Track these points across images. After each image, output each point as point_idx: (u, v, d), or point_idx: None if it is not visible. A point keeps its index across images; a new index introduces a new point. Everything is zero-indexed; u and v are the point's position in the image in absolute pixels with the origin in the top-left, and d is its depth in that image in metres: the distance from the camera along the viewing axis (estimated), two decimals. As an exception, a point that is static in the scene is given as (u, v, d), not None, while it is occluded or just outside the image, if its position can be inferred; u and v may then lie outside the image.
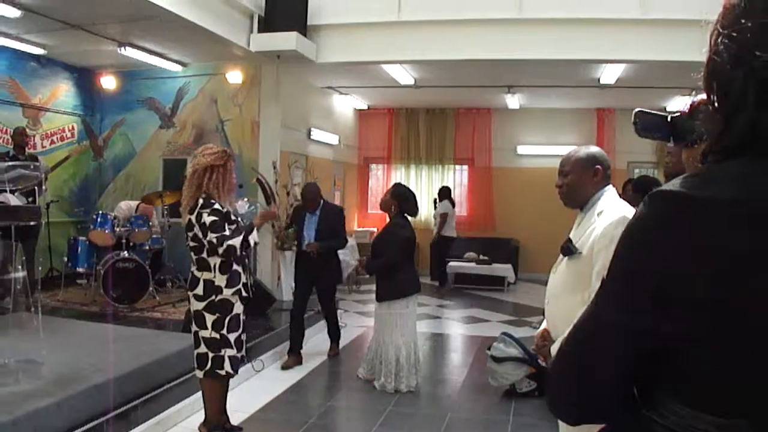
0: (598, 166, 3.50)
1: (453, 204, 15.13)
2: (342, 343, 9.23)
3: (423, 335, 9.68)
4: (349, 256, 12.77)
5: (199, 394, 5.72)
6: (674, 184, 1.21)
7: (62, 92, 12.84)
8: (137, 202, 11.17)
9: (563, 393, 1.46)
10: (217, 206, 5.12)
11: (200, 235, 5.10)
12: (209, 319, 5.13)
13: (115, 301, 9.68)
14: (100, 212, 10.52)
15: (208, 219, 5.04)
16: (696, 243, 1.15)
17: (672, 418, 1.25)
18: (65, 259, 10.65)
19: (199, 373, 5.28)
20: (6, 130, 11.02)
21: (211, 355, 5.17)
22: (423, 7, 10.18)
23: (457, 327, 10.92)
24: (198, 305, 5.18)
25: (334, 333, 8.57)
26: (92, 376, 5.65)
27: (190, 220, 5.13)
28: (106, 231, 10.09)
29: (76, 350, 6.56)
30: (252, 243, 5.28)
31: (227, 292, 5.15)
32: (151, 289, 10.03)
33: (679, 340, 1.20)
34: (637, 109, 1.70)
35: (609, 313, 1.29)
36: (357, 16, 10.44)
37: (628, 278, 1.26)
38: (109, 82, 13.12)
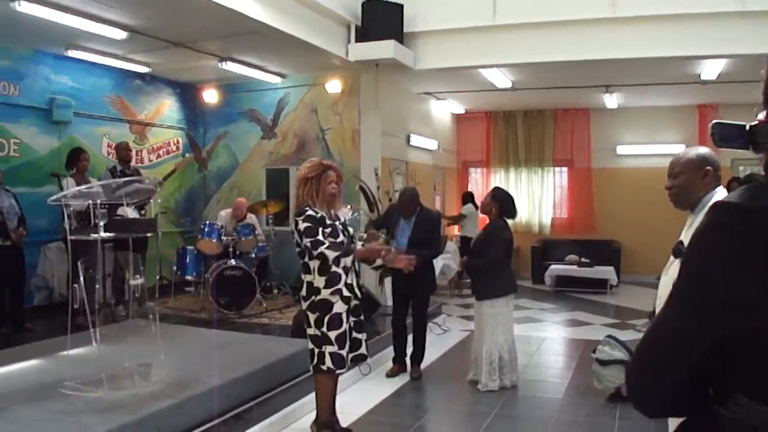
0: (709, 167, 3.50)
1: (476, 206, 15.02)
2: (446, 347, 9.30)
3: (526, 338, 9.68)
4: (451, 260, 12.86)
5: (310, 397, 5.97)
6: (733, 195, 1.30)
7: (166, 108, 13.31)
8: (230, 210, 11.52)
9: (641, 389, 1.55)
10: (310, 212, 5.38)
11: (299, 240, 5.40)
12: (311, 317, 5.41)
13: (223, 307, 9.98)
14: (207, 222, 10.86)
15: (302, 225, 5.34)
16: (748, 249, 1.23)
17: (742, 412, 1.32)
18: (174, 267, 11.01)
19: (311, 368, 5.54)
20: (112, 145, 11.46)
21: (316, 351, 5.43)
22: (517, 10, 10.13)
23: (560, 330, 10.86)
24: (304, 305, 5.50)
25: (418, 352, 8.07)
26: (208, 379, 5.87)
27: (294, 227, 5.44)
28: (214, 240, 10.39)
29: (191, 355, 6.83)
30: (344, 263, 5.42)
31: (325, 293, 5.36)
32: (257, 295, 10.29)
33: (741, 338, 1.28)
34: (713, 122, 1.75)
35: (678, 313, 1.38)
36: (452, 21, 10.48)
37: (692, 280, 1.35)
38: (211, 96, 13.54)
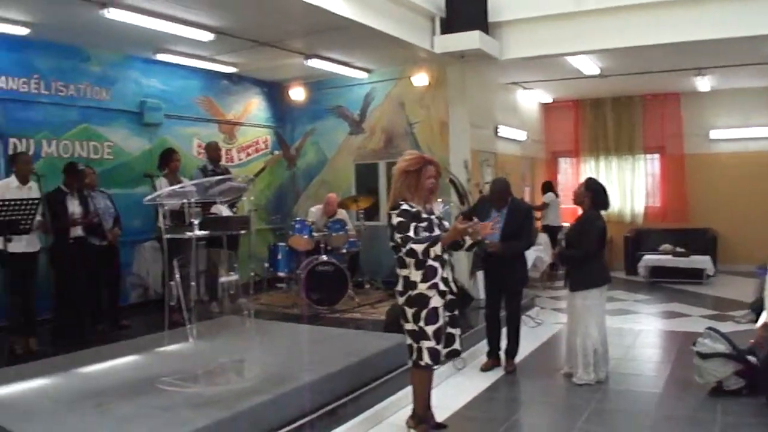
0: None
1: (556, 195, 14.82)
2: (539, 340, 9.13)
3: (620, 330, 9.47)
4: (543, 253, 12.68)
5: (404, 392, 5.95)
6: None
7: (254, 107, 13.47)
8: (320, 206, 11.59)
9: None
10: (405, 207, 5.30)
11: (392, 235, 5.33)
12: (409, 312, 5.33)
13: (315, 303, 10.03)
14: (298, 218, 10.96)
15: (396, 220, 5.28)
16: None
17: None
18: (266, 264, 11.16)
19: (409, 363, 5.48)
20: (202, 145, 11.65)
21: (414, 346, 5.35)
22: (603, -6, 9.94)
23: (656, 322, 10.52)
24: (400, 300, 5.41)
25: (512, 346, 7.87)
26: (302, 374, 5.88)
27: (388, 221, 5.39)
28: (305, 236, 10.48)
29: (285, 350, 6.87)
30: (435, 254, 5.26)
31: (422, 287, 5.27)
32: (349, 291, 10.30)
33: None
34: None
35: None
36: (537, 9, 10.28)
37: None
38: (297, 94, 13.64)
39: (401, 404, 6.24)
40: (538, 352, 8.76)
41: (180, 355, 6.51)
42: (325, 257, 10.20)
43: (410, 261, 5.27)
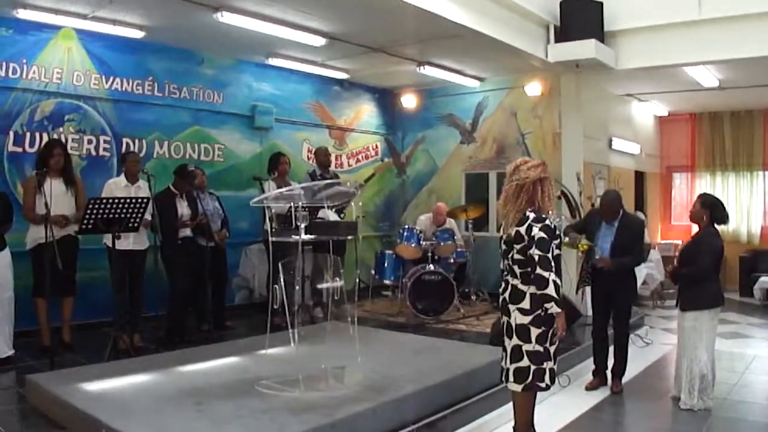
0: None
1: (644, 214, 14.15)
2: (648, 361, 8.79)
3: (732, 354, 9.01)
4: (654, 270, 12.27)
5: (506, 407, 5.73)
6: None
7: (365, 113, 13.47)
8: (429, 215, 11.46)
9: None
10: (548, 223, 5.00)
11: (527, 245, 4.97)
12: (534, 332, 5.00)
13: (420, 312, 9.88)
14: (407, 226, 10.83)
15: (538, 234, 4.92)
16: None
17: None
18: (372, 271, 11.10)
19: (517, 387, 5.10)
20: (312, 149, 11.69)
21: (533, 368, 5.02)
22: (725, 1, 9.36)
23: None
24: (524, 319, 5.03)
25: (620, 365, 7.51)
26: (404, 384, 5.74)
27: (518, 232, 5.00)
28: (413, 245, 10.36)
29: (388, 359, 6.72)
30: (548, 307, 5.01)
31: (554, 309, 4.96)
32: (455, 301, 10.12)
33: None
34: None
35: None
36: (654, 18, 9.90)
37: None
38: (408, 101, 13.60)
39: (502, 420, 6.06)
40: (646, 373, 8.40)
41: (282, 358, 6.47)
42: (432, 266, 10.05)
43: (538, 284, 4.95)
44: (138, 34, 9.00)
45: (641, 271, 11.23)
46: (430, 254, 10.30)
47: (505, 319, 5.18)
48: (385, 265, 10.87)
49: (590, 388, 7.50)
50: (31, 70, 8.56)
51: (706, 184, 15.94)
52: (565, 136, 11.69)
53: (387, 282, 11.05)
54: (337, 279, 6.40)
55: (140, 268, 8.11)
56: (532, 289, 4.96)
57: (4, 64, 8.34)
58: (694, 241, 6.94)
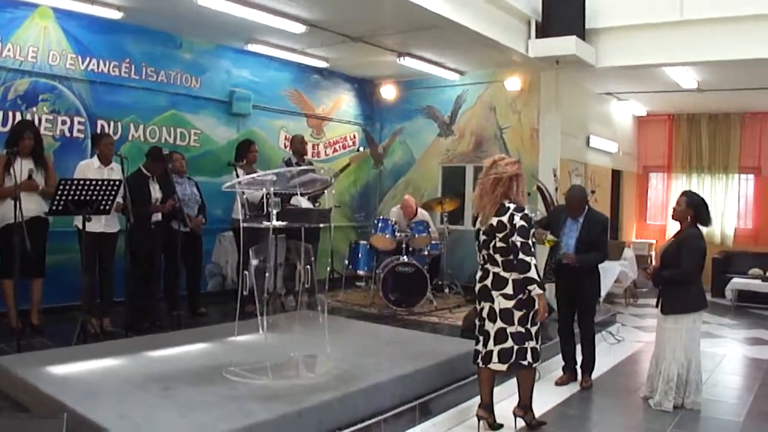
0: None
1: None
2: (619, 358, 8.80)
3: (703, 354, 8.95)
4: (628, 268, 12.30)
5: (475, 399, 5.93)
6: None
7: (344, 103, 13.44)
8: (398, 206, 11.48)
9: None
10: (528, 213, 5.52)
11: (509, 234, 5.42)
12: (516, 315, 5.50)
13: (393, 304, 9.85)
14: (381, 217, 10.81)
15: (519, 223, 5.40)
16: None
17: None
18: (346, 261, 11.06)
19: (502, 366, 5.58)
20: (289, 137, 11.61)
21: (516, 348, 5.52)
22: (707, 4, 9.42)
23: (741, 348, 9.99)
24: (507, 303, 5.51)
25: (588, 361, 7.57)
26: (374, 374, 5.73)
27: (501, 222, 5.46)
28: (387, 236, 10.33)
29: (358, 348, 6.70)
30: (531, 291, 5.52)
31: (536, 291, 5.46)
32: (428, 293, 10.12)
33: None
34: None
35: None
36: (637, 17, 9.91)
37: None
38: (388, 92, 13.59)
39: (470, 413, 6.06)
40: (617, 370, 8.41)
41: (251, 345, 6.45)
42: (406, 258, 10.03)
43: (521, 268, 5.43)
44: (116, 15, 8.88)
45: (615, 269, 11.26)
46: (404, 246, 10.26)
47: (486, 304, 5.62)
48: (359, 255, 10.84)
49: (560, 383, 7.51)
50: (6, 48, 8.41)
51: (681, 184, 16.01)
52: (543, 132, 11.72)
53: (360, 272, 11.02)
54: (309, 267, 6.36)
55: (111, 251, 8.01)
56: (514, 275, 5.46)
57: (-23, 42, 8.24)
58: (676, 241, 6.81)
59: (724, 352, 9.46)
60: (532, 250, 5.43)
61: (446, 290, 11.42)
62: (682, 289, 6.64)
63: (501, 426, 5.84)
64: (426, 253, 10.91)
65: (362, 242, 11.02)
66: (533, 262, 5.40)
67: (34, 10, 8.65)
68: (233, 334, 6.34)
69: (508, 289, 5.48)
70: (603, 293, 9.87)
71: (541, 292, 5.47)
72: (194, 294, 9.31)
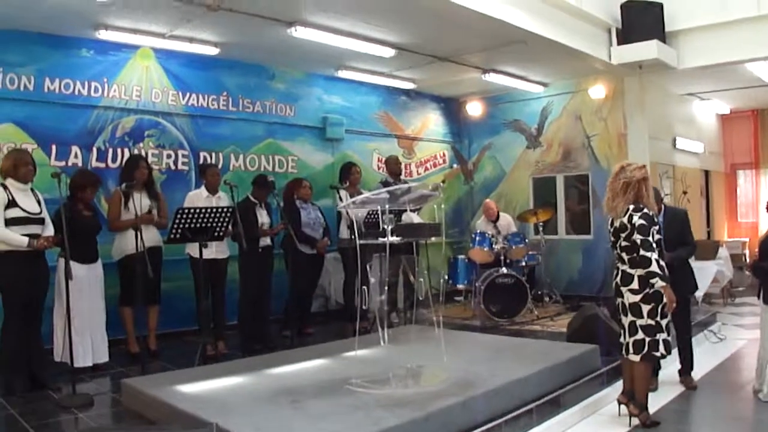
0: None
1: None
2: (723, 356, 8.72)
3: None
4: (724, 267, 12.16)
5: (596, 396, 6.32)
6: None
7: (431, 122, 13.64)
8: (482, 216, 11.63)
9: None
10: (647, 211, 5.70)
11: (630, 234, 5.69)
12: (645, 308, 5.71)
13: (494, 315, 9.95)
14: (479, 231, 10.87)
15: (638, 221, 5.63)
16: None
17: None
18: (446, 276, 11.15)
19: (636, 357, 5.79)
20: (382, 159, 11.87)
21: (648, 340, 5.73)
22: (785, -4, 9.43)
23: None
24: (635, 298, 5.74)
25: (687, 360, 7.36)
26: (490, 380, 5.84)
27: (622, 222, 5.75)
28: (485, 249, 10.44)
29: (471, 357, 6.82)
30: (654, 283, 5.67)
31: (659, 284, 5.61)
32: (529, 303, 10.21)
33: None
34: None
35: None
36: (714, 16, 9.90)
37: None
38: (474, 109, 13.73)
39: (593, 408, 6.24)
40: (723, 367, 8.30)
41: (368, 359, 6.61)
42: (505, 269, 10.13)
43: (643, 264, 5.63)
44: (213, 51, 9.28)
45: (712, 269, 11.16)
46: (502, 257, 10.38)
47: (619, 300, 5.92)
48: (458, 270, 10.99)
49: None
50: (112, 89, 8.90)
51: (770, 181, 15.78)
52: (630, 137, 11.80)
53: (460, 286, 11.13)
54: (422, 281, 6.53)
55: (223, 276, 8.34)
56: (639, 271, 5.68)
57: (86, 83, 8.69)
58: (776, 234, 6.89)
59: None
60: (654, 246, 5.60)
61: (546, 299, 11.47)
62: None
63: (658, 423, 5.90)
64: (523, 264, 11.01)
65: (460, 257, 11.16)
66: (654, 257, 5.55)
67: (135, 51, 9.10)
68: (347, 350, 6.56)
69: (634, 285, 5.70)
70: (701, 293, 9.87)
71: (665, 284, 5.59)
72: (305, 315, 9.51)
